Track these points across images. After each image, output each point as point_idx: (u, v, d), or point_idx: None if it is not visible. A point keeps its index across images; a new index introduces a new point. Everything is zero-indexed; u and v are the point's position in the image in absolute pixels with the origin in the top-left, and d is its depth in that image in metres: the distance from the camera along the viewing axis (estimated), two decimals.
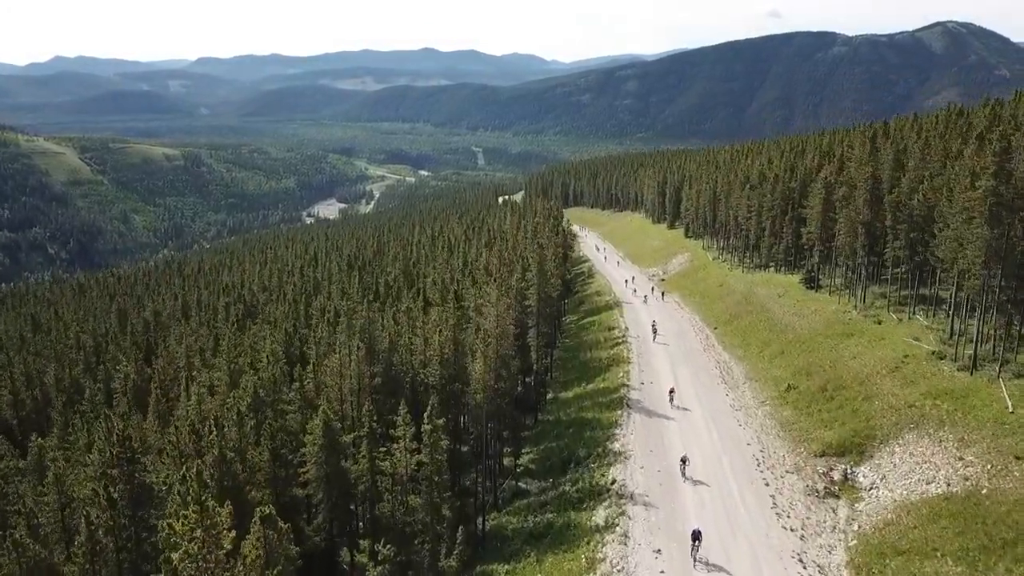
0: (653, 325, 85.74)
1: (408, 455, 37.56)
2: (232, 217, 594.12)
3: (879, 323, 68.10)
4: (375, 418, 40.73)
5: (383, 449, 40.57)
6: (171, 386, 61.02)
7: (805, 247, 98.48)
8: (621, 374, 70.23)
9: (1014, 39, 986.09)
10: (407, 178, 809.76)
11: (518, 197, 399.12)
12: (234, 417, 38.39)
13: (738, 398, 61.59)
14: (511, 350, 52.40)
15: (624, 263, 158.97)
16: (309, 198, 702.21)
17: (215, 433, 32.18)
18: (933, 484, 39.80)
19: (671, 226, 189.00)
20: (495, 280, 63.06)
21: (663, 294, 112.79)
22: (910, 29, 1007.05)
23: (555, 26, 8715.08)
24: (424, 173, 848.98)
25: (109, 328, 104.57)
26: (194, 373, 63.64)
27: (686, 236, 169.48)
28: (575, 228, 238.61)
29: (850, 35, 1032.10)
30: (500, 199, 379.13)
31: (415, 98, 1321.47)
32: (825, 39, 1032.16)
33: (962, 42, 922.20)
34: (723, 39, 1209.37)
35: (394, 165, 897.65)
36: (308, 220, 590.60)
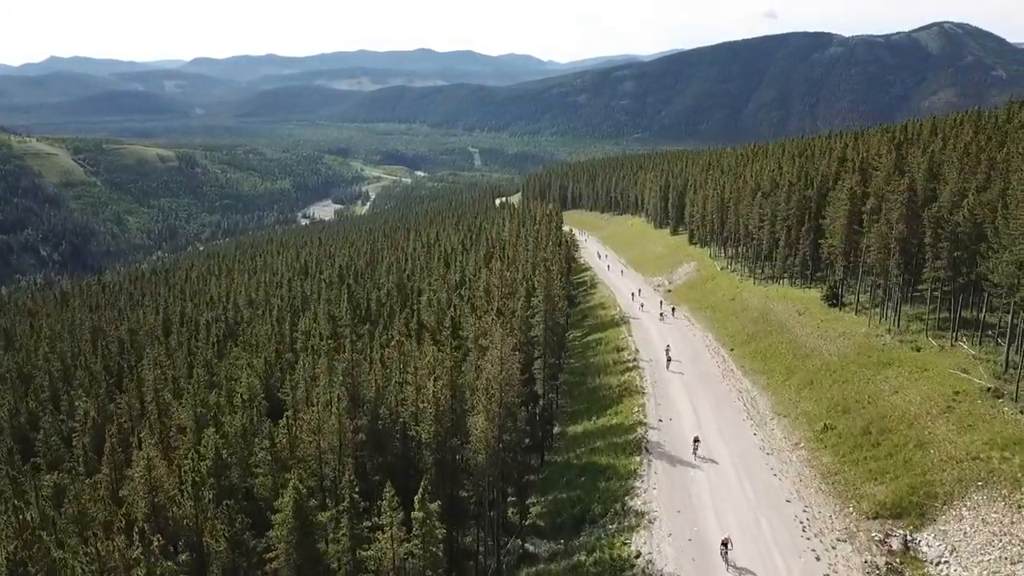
0: (667, 351, 78.77)
1: (395, 544, 31.20)
2: (227, 218, 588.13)
3: (918, 350, 61.88)
4: (357, 488, 34.29)
5: (367, 523, 34.33)
6: (132, 428, 54.67)
7: (826, 261, 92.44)
8: (636, 408, 63.65)
9: (1010, 39, 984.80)
10: (403, 179, 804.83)
11: (515, 199, 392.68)
12: (188, 490, 32.25)
13: (767, 438, 55.22)
14: (518, 397, 45.66)
15: (628, 272, 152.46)
16: (305, 199, 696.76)
17: (140, 549, 25.87)
18: (1021, 566, 33.54)
19: (674, 232, 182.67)
20: (496, 309, 56.40)
21: (673, 310, 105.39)
22: (906, 30, 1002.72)
23: (551, 26, 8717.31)
24: (420, 174, 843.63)
25: (81, 348, 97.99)
26: (164, 407, 57.15)
27: (690, 243, 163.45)
28: (574, 232, 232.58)
29: (846, 35, 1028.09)
30: (497, 201, 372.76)
31: (411, 99, 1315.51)
32: (821, 40, 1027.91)
33: (958, 42, 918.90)
34: (719, 40, 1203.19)
35: (390, 166, 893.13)
36: (303, 221, 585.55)
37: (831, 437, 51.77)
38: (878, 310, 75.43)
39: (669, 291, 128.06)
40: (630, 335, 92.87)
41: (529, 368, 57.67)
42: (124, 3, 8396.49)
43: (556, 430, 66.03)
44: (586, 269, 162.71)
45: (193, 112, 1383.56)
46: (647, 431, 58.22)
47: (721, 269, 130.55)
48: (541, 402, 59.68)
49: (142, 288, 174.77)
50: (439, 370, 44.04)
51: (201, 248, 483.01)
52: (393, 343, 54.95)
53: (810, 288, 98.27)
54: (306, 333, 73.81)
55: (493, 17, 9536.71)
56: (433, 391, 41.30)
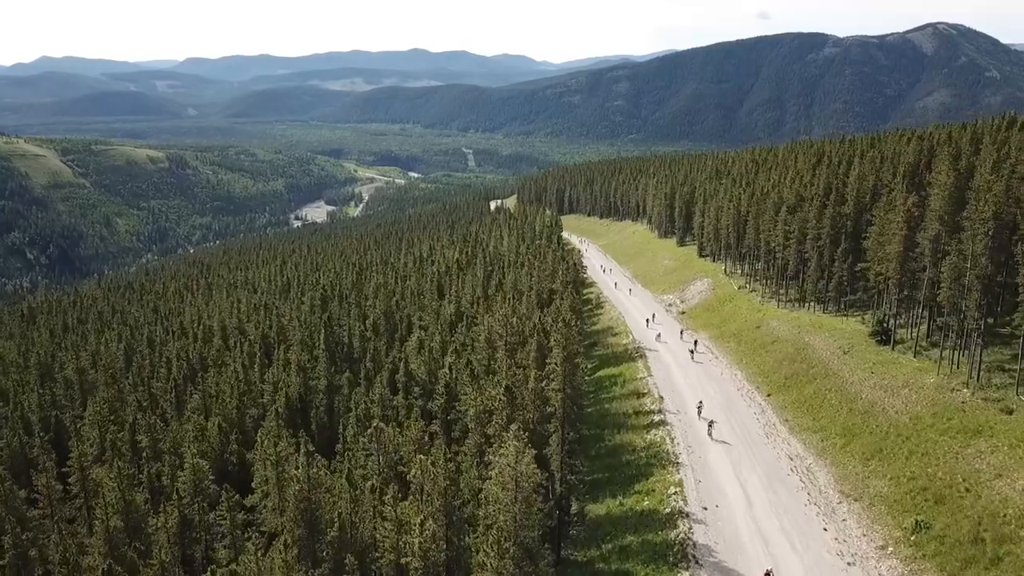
0: (699, 408, 67.13)
1: None
2: (218, 220, 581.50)
3: (1009, 412, 50.96)
4: None
5: None
6: (53, 516, 43.67)
7: (873, 289, 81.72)
8: (672, 489, 52.06)
9: (1004, 40, 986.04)
10: (397, 180, 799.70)
11: (510, 202, 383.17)
12: None
13: (843, 536, 44.09)
14: (537, 529, 33.88)
15: (636, 289, 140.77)
16: (297, 200, 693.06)
17: None
18: None
19: (681, 242, 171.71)
20: (504, 387, 44.67)
21: (696, 343, 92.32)
22: (900, 31, 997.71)
23: (545, 27, 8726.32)
24: (414, 175, 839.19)
25: (24, 389, 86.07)
26: (93, 488, 46.09)
27: (700, 255, 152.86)
28: (573, 239, 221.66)
29: (841, 36, 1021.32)
30: (492, 205, 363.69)
31: (405, 99, 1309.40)
32: (816, 40, 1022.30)
33: (952, 43, 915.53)
34: (711, 40, 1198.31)
35: (383, 167, 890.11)
36: (296, 223, 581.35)
37: (929, 542, 40.72)
38: (943, 352, 64.41)
39: (683, 313, 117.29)
40: (649, 374, 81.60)
41: (543, 446, 46.43)
42: (117, 3, 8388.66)
43: (573, 508, 54.56)
44: (590, 284, 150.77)
45: (185, 112, 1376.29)
46: (691, 526, 46.68)
47: (739, 288, 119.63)
48: (558, 487, 47.98)
49: (113, 305, 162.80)
50: (430, 486, 32.81)
51: (192, 250, 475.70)
52: (370, 431, 43.78)
53: (847, 317, 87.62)
54: (274, 384, 62.81)
55: (486, 17, 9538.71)
56: (420, 542, 30.14)
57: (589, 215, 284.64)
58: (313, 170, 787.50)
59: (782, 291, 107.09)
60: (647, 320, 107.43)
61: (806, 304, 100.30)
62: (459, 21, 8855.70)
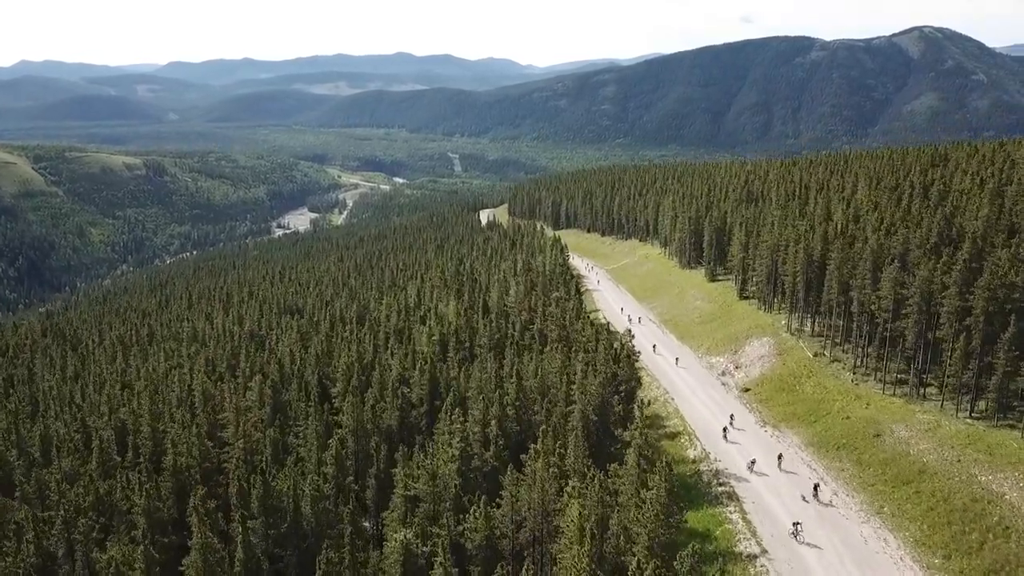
0: None
1: None
2: (197, 229, 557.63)
3: None
4: None
5: None
6: None
7: None
8: None
9: (989, 43, 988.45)
10: (381, 186, 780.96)
11: (501, 212, 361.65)
12: None
13: None
14: None
15: (675, 347, 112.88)
16: (280, 208, 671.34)
17: None
18: None
19: (712, 277, 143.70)
20: None
21: (816, 487, 60.19)
22: (886, 34, 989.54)
23: (530, 30, 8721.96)
24: (399, 180, 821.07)
25: None
26: None
27: (741, 297, 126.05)
28: (577, 262, 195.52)
29: (828, 40, 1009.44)
30: (483, 218, 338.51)
31: (390, 103, 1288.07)
32: (802, 44, 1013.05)
33: (939, 47, 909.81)
34: (696, 44, 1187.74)
35: (368, 172, 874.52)
36: (278, 232, 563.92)
37: None
38: None
39: (746, 390, 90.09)
40: (762, 550, 51.87)
41: None
42: (98, 6, 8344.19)
43: None
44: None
45: (166, 117, 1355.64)
46: None
47: (814, 356, 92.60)
48: None
49: (30, 364, 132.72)
50: None
51: (168, 260, 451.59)
52: None
53: (1016, 430, 60.63)
54: None
55: (471, 21, 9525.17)
56: None
57: (589, 231, 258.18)
58: (296, 176, 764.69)
59: (885, 367, 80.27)
60: (724, 428, 76.23)
61: (924, 391, 73.69)
62: (443, 24, 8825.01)
